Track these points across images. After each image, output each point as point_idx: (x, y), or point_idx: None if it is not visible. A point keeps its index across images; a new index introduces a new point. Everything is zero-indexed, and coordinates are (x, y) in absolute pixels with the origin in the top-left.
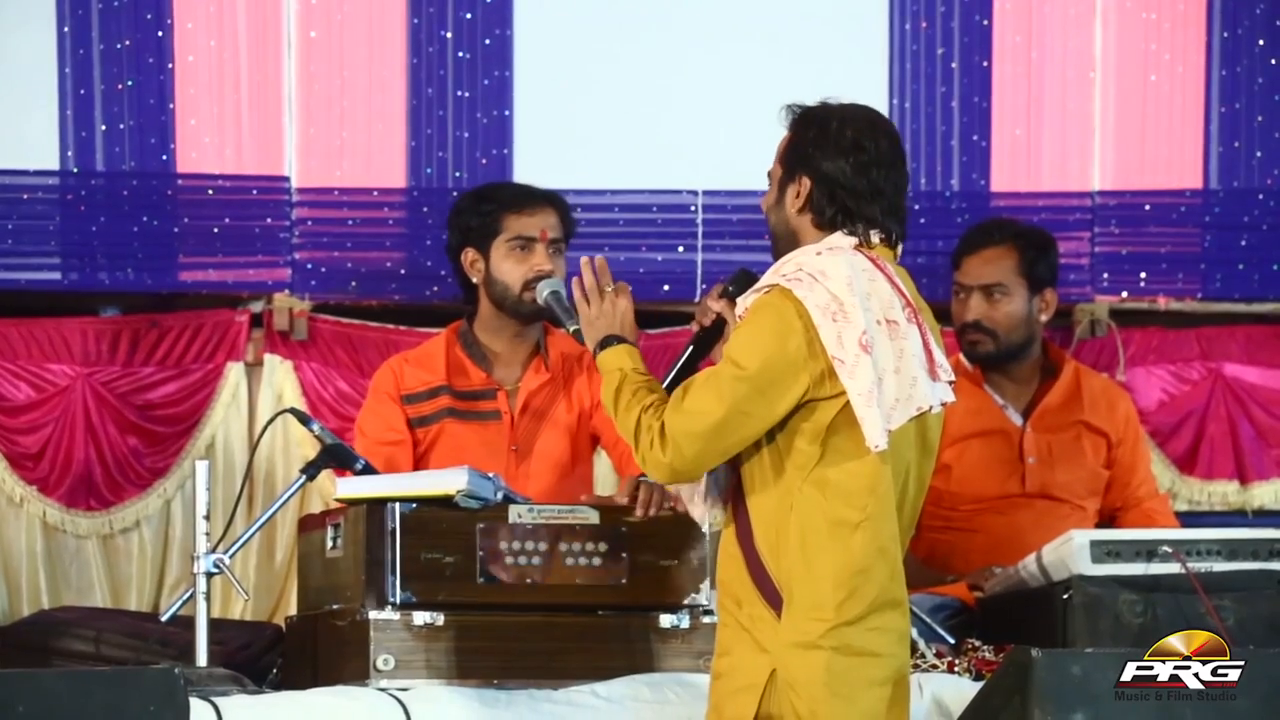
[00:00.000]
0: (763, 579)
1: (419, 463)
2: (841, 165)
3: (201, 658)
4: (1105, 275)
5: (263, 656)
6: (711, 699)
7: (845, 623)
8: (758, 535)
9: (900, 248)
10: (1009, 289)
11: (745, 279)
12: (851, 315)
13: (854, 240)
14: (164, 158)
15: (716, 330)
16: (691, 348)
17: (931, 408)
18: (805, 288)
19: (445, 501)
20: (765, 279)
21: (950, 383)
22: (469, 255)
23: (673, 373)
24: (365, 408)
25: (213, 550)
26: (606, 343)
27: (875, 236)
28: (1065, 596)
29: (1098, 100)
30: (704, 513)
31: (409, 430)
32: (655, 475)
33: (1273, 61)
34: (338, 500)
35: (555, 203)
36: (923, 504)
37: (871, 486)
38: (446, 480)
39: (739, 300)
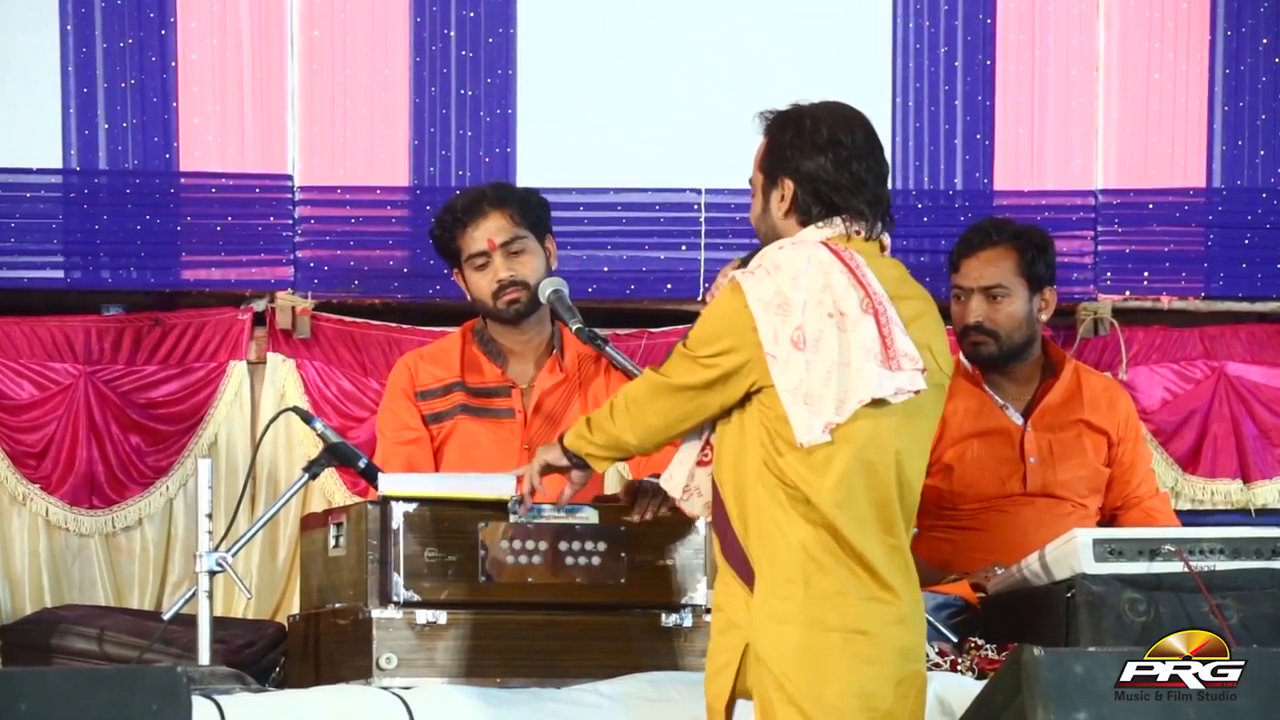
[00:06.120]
0: (736, 554)
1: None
2: (822, 162)
3: (204, 656)
4: (1108, 274)
5: (265, 655)
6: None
7: (816, 598)
8: (731, 513)
9: (887, 237)
10: (1010, 290)
11: None
12: (791, 310)
13: (826, 234)
14: (167, 156)
15: None
16: None
17: (888, 398)
18: (754, 281)
19: (449, 501)
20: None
21: (920, 370)
22: (456, 275)
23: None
24: (382, 407)
25: (215, 549)
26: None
27: (856, 228)
28: (1068, 595)
29: (1101, 99)
30: (696, 507)
31: (425, 426)
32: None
33: (1276, 60)
34: (380, 494)
35: (498, 202)
36: (921, 496)
37: (828, 470)
38: (499, 486)
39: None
